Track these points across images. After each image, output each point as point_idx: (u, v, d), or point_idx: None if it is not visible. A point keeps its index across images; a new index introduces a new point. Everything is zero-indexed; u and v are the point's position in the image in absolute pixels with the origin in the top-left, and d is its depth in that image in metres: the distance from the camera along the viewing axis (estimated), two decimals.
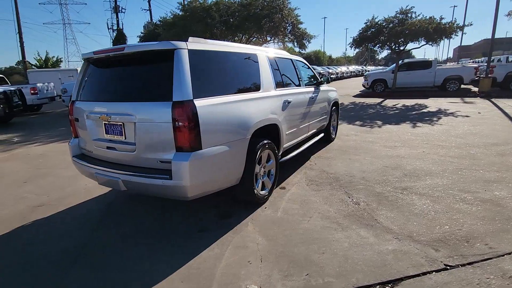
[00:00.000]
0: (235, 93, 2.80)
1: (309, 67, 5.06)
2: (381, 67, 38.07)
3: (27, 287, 2.10)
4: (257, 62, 3.31)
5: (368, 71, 25.65)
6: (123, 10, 27.26)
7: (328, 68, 30.60)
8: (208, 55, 2.59)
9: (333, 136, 5.92)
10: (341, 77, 32.07)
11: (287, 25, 14.95)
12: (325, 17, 51.00)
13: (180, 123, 2.22)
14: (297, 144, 4.33)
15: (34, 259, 2.40)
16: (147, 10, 27.06)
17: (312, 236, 2.58)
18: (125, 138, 2.52)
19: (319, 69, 27.05)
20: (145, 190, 2.50)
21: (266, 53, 3.60)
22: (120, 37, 24.13)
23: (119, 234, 2.75)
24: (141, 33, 20.94)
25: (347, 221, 2.80)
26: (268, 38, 15.71)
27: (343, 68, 35.94)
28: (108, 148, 2.66)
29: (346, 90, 17.64)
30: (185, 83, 2.25)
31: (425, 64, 14.74)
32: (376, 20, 14.30)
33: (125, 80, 2.65)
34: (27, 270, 2.28)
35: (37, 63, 29.85)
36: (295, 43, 16.17)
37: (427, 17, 13.13)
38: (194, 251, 2.41)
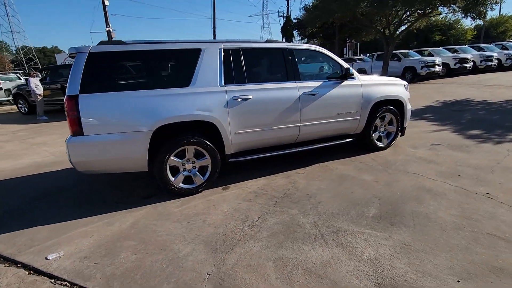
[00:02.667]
0: (145, 88, 3.03)
1: (331, 58, 4.11)
2: None
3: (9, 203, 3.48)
4: (198, 57, 3.26)
5: None
6: None
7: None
8: (114, 56, 2.96)
9: (381, 145, 4.56)
10: None
11: None
12: None
13: (67, 112, 2.82)
14: (281, 146, 3.88)
15: (39, 190, 3.83)
16: None
17: (157, 238, 2.59)
18: None
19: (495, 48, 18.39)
20: None
21: (223, 46, 3.41)
22: (287, 24, 26.08)
23: (76, 190, 3.78)
24: (295, 18, 21.80)
25: (206, 239, 2.54)
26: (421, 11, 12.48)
27: None
28: None
29: None
30: (75, 80, 2.79)
31: None
32: None
33: None
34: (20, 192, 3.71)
35: None
36: (472, 13, 11.94)
37: None
38: (86, 215, 3.04)
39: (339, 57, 20.31)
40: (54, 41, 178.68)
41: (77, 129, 2.83)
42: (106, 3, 14.84)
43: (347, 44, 28.97)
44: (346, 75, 4.01)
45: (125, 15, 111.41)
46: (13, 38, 55.38)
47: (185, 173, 3.34)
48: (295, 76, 3.76)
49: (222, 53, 3.39)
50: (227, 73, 3.38)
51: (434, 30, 32.23)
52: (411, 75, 15.25)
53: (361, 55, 28.60)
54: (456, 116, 6.74)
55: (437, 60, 15.19)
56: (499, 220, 2.56)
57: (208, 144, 3.30)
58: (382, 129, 4.58)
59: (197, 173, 3.40)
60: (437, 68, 15.12)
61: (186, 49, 3.27)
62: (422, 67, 14.81)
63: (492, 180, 3.34)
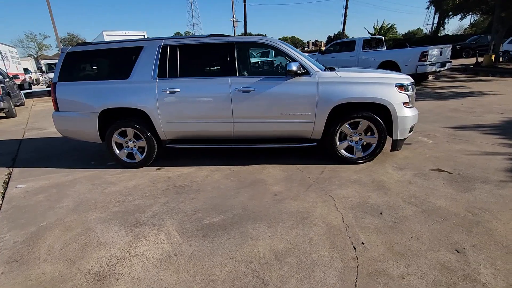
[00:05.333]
0: (98, 79, 3.90)
1: (283, 51, 3.64)
2: None
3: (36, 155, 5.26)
4: (138, 54, 3.80)
5: None
6: None
7: None
8: (81, 54, 3.94)
9: (347, 156, 3.73)
10: None
11: None
12: None
13: (51, 94, 4.08)
14: (218, 139, 3.98)
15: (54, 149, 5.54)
16: None
17: (67, 192, 3.49)
18: None
19: None
20: None
21: (164, 43, 3.77)
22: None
23: (92, 149, 5.19)
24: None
25: (82, 201, 3.22)
26: None
27: None
28: None
29: None
30: (56, 72, 3.98)
31: None
32: None
33: None
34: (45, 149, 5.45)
35: (374, 31, 33.81)
36: None
37: None
38: (67, 167, 4.32)
39: (504, 36, 15.12)
40: (219, 30, 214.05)
41: (55, 106, 4.07)
42: None
43: None
44: (291, 71, 3.51)
45: (261, 3, 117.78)
46: (193, 30, 71.33)
47: (127, 150, 4.08)
48: (230, 71, 3.68)
49: (160, 50, 3.79)
50: (161, 67, 3.77)
51: None
52: None
53: None
54: None
55: None
56: (320, 270, 1.96)
57: (144, 130, 3.88)
58: (356, 139, 3.73)
59: (137, 151, 4.07)
60: None
61: (131, 47, 3.89)
62: None
63: (410, 231, 2.34)
